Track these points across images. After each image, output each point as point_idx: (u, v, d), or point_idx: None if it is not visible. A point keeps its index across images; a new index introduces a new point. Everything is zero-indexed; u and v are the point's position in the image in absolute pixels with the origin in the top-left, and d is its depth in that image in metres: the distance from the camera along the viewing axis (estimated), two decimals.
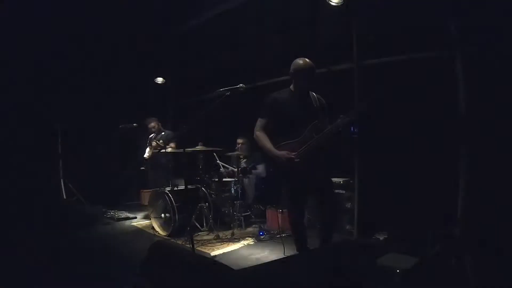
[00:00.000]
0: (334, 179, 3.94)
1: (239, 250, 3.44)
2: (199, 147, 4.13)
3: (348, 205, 3.80)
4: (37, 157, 5.32)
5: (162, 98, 6.88)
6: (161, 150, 4.53)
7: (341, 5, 3.73)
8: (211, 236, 3.84)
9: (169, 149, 4.45)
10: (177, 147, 4.63)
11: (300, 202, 2.83)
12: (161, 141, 4.73)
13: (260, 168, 4.86)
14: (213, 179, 4.53)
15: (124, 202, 5.87)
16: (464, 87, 2.49)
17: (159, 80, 6.20)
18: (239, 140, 4.87)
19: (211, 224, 4.09)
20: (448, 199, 2.64)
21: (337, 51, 4.24)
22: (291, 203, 2.81)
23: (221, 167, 4.82)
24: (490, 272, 2.22)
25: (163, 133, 5.10)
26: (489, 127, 2.94)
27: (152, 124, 5.11)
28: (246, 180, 4.61)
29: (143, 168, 4.77)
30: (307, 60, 2.68)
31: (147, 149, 5.13)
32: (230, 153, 4.64)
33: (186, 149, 3.81)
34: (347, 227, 3.80)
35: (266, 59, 5.13)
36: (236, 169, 4.51)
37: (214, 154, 4.73)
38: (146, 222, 4.71)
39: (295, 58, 2.73)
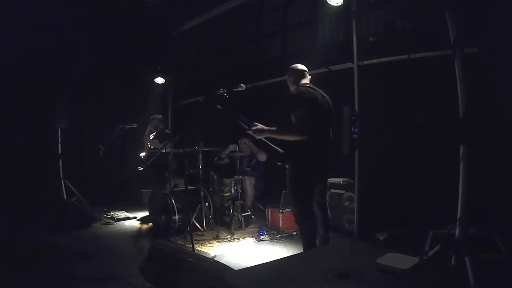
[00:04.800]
0: (335, 179, 3.95)
1: (239, 250, 3.44)
2: (199, 147, 4.12)
3: (348, 204, 3.80)
4: (37, 157, 5.33)
5: (162, 98, 6.87)
6: (154, 150, 4.53)
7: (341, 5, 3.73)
8: (211, 236, 3.84)
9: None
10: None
11: None
12: (149, 143, 4.75)
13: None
14: (213, 179, 4.52)
15: (124, 202, 5.86)
16: (464, 87, 2.49)
17: (159, 80, 6.20)
18: (241, 140, 4.87)
19: (211, 224, 4.09)
20: (448, 199, 2.64)
21: (337, 51, 4.25)
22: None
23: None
24: (490, 272, 2.22)
25: (166, 131, 5.09)
26: (489, 127, 2.94)
27: (155, 122, 5.10)
28: (246, 180, 4.61)
29: (141, 168, 4.77)
30: None
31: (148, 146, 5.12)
32: (232, 153, 4.65)
33: (186, 149, 3.83)
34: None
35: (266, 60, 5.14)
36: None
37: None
38: (146, 222, 4.71)
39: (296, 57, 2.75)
